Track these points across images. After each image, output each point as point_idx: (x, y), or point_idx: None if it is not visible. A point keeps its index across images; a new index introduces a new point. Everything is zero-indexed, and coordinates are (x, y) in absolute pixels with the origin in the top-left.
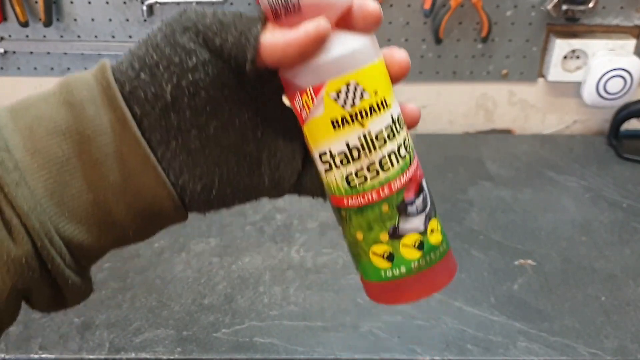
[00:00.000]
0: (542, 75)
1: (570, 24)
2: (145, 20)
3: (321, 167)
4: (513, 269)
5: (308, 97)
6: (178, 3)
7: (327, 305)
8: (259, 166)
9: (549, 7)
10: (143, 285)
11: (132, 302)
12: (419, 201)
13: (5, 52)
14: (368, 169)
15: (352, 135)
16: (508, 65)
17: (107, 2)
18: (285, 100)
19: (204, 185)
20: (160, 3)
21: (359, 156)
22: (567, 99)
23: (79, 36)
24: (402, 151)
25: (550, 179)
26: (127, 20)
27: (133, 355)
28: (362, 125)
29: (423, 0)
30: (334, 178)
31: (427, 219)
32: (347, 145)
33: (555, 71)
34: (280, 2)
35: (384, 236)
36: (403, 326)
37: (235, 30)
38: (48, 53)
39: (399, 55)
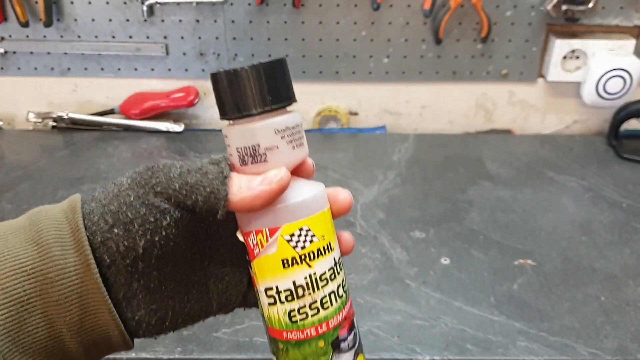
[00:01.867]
0: (542, 75)
1: (570, 24)
2: (145, 21)
3: (265, 300)
4: (513, 269)
5: (263, 236)
6: (178, 3)
7: None
8: (207, 292)
9: (549, 7)
10: None
11: None
12: (351, 337)
13: (6, 52)
14: (310, 306)
15: (300, 274)
16: (508, 65)
17: (107, 2)
18: (239, 235)
19: (158, 317)
20: (160, 3)
21: (303, 294)
22: (567, 99)
23: (79, 36)
24: (340, 291)
25: (550, 179)
26: (127, 20)
27: (133, 355)
28: (309, 266)
29: (423, 1)
30: (277, 312)
31: (356, 355)
32: (294, 283)
33: (555, 71)
34: (249, 152)
35: None
36: (403, 326)
37: (204, 190)
38: (48, 53)
39: (343, 196)
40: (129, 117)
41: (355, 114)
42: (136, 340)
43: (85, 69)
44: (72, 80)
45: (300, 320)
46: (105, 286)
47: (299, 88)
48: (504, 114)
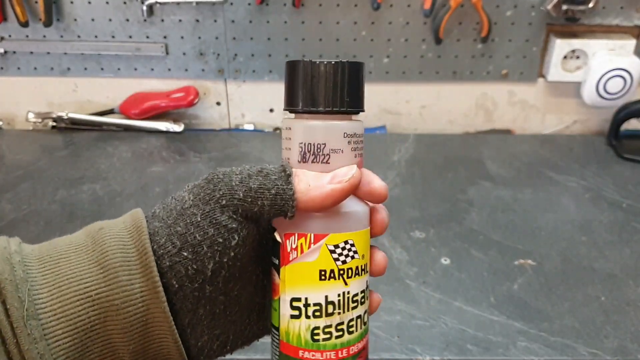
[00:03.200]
0: (542, 75)
1: (570, 24)
2: (145, 20)
3: (287, 312)
4: (513, 269)
5: (306, 241)
6: (178, 3)
7: None
8: (264, 311)
9: (549, 7)
10: None
11: None
12: None
13: (6, 52)
14: (336, 327)
15: (334, 290)
16: (508, 65)
17: (107, 2)
18: (277, 236)
19: (220, 342)
20: (160, 3)
21: (333, 312)
22: (567, 99)
23: (79, 36)
24: (366, 317)
25: (550, 179)
26: (127, 20)
27: None
28: (345, 283)
29: (423, 0)
30: (299, 327)
31: None
32: (326, 298)
33: (555, 71)
34: (313, 149)
35: None
36: (403, 326)
37: (269, 193)
38: (48, 53)
39: (382, 215)
40: (128, 117)
41: None
42: None
43: (85, 68)
44: (72, 80)
45: (323, 340)
46: (171, 313)
47: None
48: (504, 114)
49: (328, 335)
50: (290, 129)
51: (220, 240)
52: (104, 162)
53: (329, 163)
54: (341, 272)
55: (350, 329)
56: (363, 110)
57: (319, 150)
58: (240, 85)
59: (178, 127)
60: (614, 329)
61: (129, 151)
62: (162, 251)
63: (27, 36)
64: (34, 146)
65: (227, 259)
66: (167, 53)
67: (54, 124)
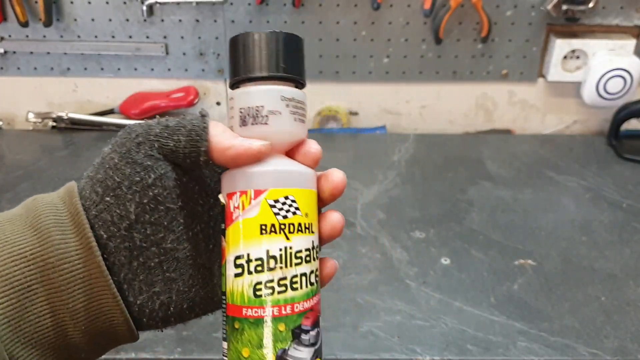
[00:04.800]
0: (542, 75)
1: (570, 24)
2: (145, 20)
3: (231, 272)
4: (513, 269)
5: (247, 197)
6: (178, 3)
7: (327, 305)
8: (211, 278)
9: (549, 7)
10: None
11: None
12: (313, 333)
13: (5, 52)
14: (279, 282)
15: (275, 244)
16: (508, 65)
17: (107, 2)
18: (221, 198)
19: (162, 302)
20: (160, 3)
21: (274, 267)
22: (567, 99)
23: (79, 36)
24: (312, 278)
25: (550, 179)
26: (127, 20)
27: (133, 355)
28: (287, 238)
29: (423, 0)
30: (241, 284)
31: (315, 355)
32: (267, 252)
33: (555, 71)
34: (252, 112)
35: (271, 358)
36: (403, 326)
37: (184, 129)
38: (48, 53)
39: (337, 175)
40: (128, 117)
41: (355, 113)
42: (137, 340)
43: (85, 69)
44: (71, 80)
45: (265, 295)
46: (106, 269)
47: None
48: (504, 114)
49: (270, 290)
50: (232, 99)
51: (138, 179)
52: None
53: (267, 124)
54: (282, 226)
55: (294, 285)
56: (303, 82)
57: (257, 112)
58: None
59: None
60: (614, 329)
61: None
62: (88, 203)
63: (27, 36)
64: (34, 146)
65: (147, 199)
66: (167, 53)
67: (54, 124)
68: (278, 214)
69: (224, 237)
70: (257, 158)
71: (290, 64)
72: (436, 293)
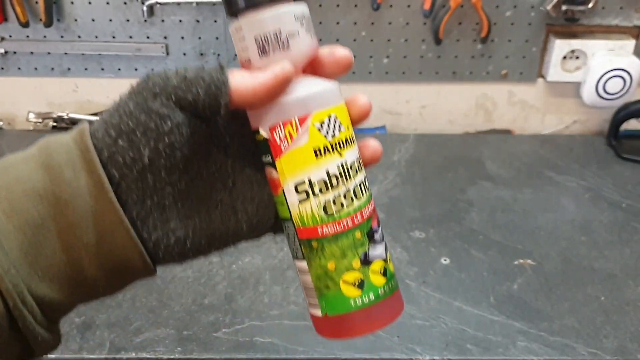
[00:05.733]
0: (542, 76)
1: (569, 24)
2: (145, 21)
3: (295, 199)
4: (513, 269)
5: (292, 127)
6: (178, 3)
7: None
8: (234, 213)
9: (549, 7)
10: (143, 285)
11: (132, 302)
12: (381, 230)
13: (6, 52)
14: (344, 196)
15: (332, 163)
16: (507, 65)
17: (108, 3)
18: (263, 133)
19: (177, 238)
20: (160, 3)
21: (337, 184)
22: (567, 99)
23: (79, 36)
24: (367, 183)
25: (550, 179)
26: (128, 20)
27: (133, 354)
28: (340, 154)
29: (423, 1)
30: (310, 207)
31: (386, 249)
32: (327, 173)
33: (555, 71)
34: (271, 39)
35: (356, 263)
36: (403, 326)
37: (203, 82)
38: (48, 53)
39: (363, 99)
40: None
41: None
42: (137, 340)
43: (86, 69)
44: (72, 81)
45: (337, 211)
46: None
47: None
48: (504, 114)
49: (340, 206)
50: (240, 28)
51: (153, 126)
52: None
53: (289, 48)
54: (334, 145)
55: (358, 195)
56: None
57: (276, 38)
58: None
59: None
60: (614, 329)
61: None
62: (100, 145)
63: (27, 36)
64: None
65: (163, 145)
66: (167, 53)
67: (55, 124)
68: (327, 135)
69: (275, 168)
70: (287, 83)
71: None
72: (436, 293)
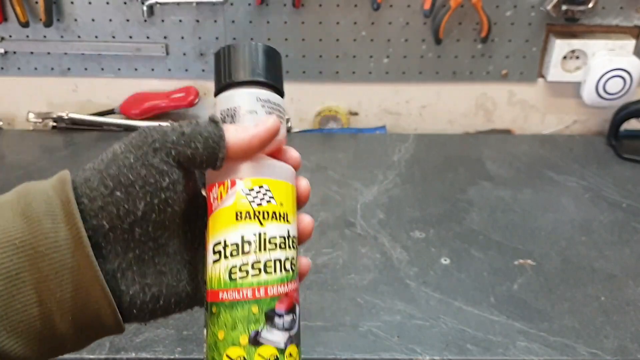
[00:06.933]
0: (542, 76)
1: (570, 24)
2: (145, 21)
3: (211, 259)
4: (513, 269)
5: (224, 188)
6: (178, 3)
7: (326, 305)
8: (196, 275)
9: (549, 7)
10: None
11: None
12: (288, 318)
13: (6, 52)
14: (252, 265)
15: (249, 229)
16: (508, 65)
17: (108, 3)
18: (203, 191)
19: (153, 294)
20: (160, 3)
21: (249, 251)
22: (567, 99)
23: (79, 36)
24: (288, 265)
25: (550, 179)
26: (128, 20)
27: (133, 355)
28: (261, 224)
29: (423, 1)
30: (218, 269)
31: (290, 340)
32: (242, 237)
33: (555, 71)
34: (231, 113)
35: (244, 339)
36: (402, 326)
37: (201, 137)
38: (48, 53)
39: (303, 183)
40: (129, 117)
41: (355, 114)
42: (136, 340)
43: (86, 69)
44: (72, 81)
45: (240, 278)
46: (100, 257)
47: (299, 88)
48: (504, 114)
49: (244, 274)
50: (215, 104)
51: (152, 180)
52: None
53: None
54: (256, 213)
55: (268, 269)
56: (280, 89)
57: (235, 112)
58: None
59: None
60: (614, 329)
61: None
62: (94, 194)
63: (27, 36)
64: (34, 146)
65: (158, 201)
66: (167, 53)
67: (55, 124)
68: (253, 201)
69: (206, 230)
70: (276, 130)
71: (266, 71)
72: (436, 293)
